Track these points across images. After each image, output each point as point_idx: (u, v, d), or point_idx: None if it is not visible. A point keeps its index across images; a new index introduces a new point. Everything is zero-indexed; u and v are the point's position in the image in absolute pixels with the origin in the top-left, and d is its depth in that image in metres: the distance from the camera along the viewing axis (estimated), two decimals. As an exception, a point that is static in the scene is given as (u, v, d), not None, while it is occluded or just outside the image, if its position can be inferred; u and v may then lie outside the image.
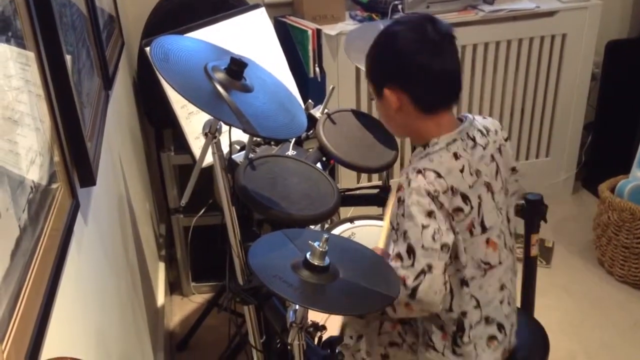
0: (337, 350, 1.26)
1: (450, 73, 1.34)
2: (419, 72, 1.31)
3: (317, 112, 1.85)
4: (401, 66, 1.32)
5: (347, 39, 1.92)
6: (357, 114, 1.92)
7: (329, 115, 1.81)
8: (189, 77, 1.22)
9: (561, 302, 2.53)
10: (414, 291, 1.27)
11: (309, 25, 2.43)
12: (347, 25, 2.56)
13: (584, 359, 2.28)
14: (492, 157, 1.37)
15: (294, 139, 1.72)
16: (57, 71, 1.04)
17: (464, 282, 1.35)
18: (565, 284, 2.62)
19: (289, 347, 1.24)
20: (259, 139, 1.73)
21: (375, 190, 1.94)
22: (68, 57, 1.12)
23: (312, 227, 1.51)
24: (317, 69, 2.44)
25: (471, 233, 1.33)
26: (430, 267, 1.26)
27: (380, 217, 1.78)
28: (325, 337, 1.30)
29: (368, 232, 1.73)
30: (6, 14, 0.86)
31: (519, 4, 2.73)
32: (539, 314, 1.50)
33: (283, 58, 2.02)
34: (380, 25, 2.29)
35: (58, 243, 0.94)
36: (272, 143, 1.76)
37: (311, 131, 1.79)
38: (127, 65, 2.36)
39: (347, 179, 2.69)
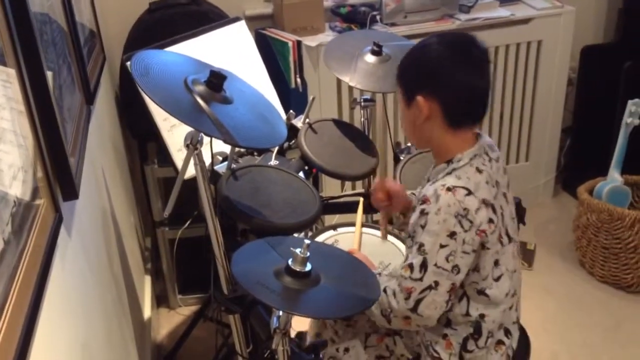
0: (321, 355, 1.28)
1: (483, 90, 1.35)
2: (457, 85, 1.31)
3: (298, 122, 1.88)
4: (440, 76, 1.32)
5: (326, 50, 1.96)
6: (338, 123, 1.96)
7: (310, 125, 1.84)
8: (170, 90, 1.24)
9: (544, 304, 2.57)
10: (416, 304, 1.31)
11: (289, 37, 2.46)
12: (327, 36, 2.59)
13: (566, 358, 2.32)
14: (505, 169, 1.41)
15: (276, 149, 1.75)
16: (39, 88, 1.06)
17: (481, 292, 1.36)
18: (548, 286, 2.66)
19: (275, 355, 1.26)
20: (242, 150, 1.76)
21: (358, 198, 1.97)
22: (49, 74, 1.14)
23: (295, 235, 1.53)
24: (299, 80, 2.47)
25: (501, 243, 1.35)
26: (437, 284, 1.30)
27: (364, 224, 1.80)
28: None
29: (351, 238, 1.75)
30: (-13, 33, 0.88)
31: (494, 12, 2.78)
32: (522, 315, 1.54)
33: (264, 70, 2.05)
34: (358, 35, 2.34)
35: (42, 256, 0.95)
36: (255, 153, 1.78)
37: (293, 141, 1.82)
38: (109, 80, 2.37)
39: (331, 187, 2.72)
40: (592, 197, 2.65)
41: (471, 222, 1.27)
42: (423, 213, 1.30)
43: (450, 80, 1.32)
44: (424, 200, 1.30)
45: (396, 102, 2.79)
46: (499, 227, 1.33)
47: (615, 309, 2.55)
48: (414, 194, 1.58)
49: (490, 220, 1.30)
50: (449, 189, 1.28)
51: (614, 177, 2.65)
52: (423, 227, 1.30)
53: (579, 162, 3.21)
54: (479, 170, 1.32)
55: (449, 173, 1.32)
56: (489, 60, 1.35)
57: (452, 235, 1.27)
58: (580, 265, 2.78)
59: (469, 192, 1.28)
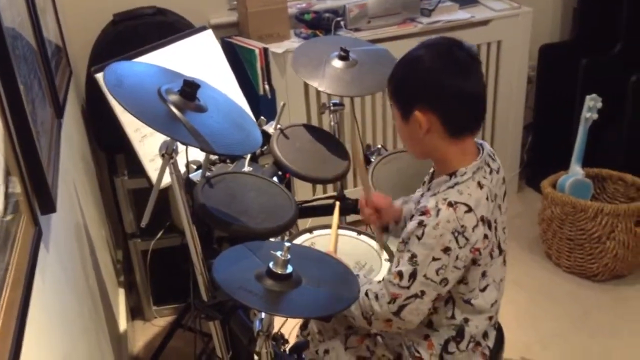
0: (303, 356, 1.30)
1: (479, 95, 1.34)
2: (451, 93, 1.30)
3: (270, 128, 1.89)
4: (433, 87, 1.30)
5: (294, 56, 1.98)
6: (309, 127, 1.98)
7: (281, 131, 1.86)
8: (144, 100, 1.25)
9: (514, 296, 2.63)
10: (400, 309, 1.33)
11: (255, 45, 2.48)
12: (293, 42, 2.62)
13: (539, 349, 2.38)
14: (504, 179, 1.42)
15: (249, 156, 1.76)
16: (14, 102, 1.06)
17: (467, 302, 1.39)
18: (517, 279, 2.72)
19: (256, 358, 1.28)
20: (214, 158, 1.77)
21: (331, 201, 2.00)
22: (21, 88, 1.14)
23: (272, 239, 1.55)
24: (267, 87, 2.49)
25: (491, 256, 1.37)
26: (423, 293, 1.32)
27: (339, 226, 1.82)
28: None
29: (327, 240, 1.77)
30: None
31: (455, 14, 2.85)
32: (494, 308, 1.60)
33: (233, 77, 2.06)
34: (325, 41, 2.37)
35: (25, 271, 0.95)
36: (228, 161, 1.80)
37: (265, 147, 1.84)
38: (75, 93, 2.35)
39: (303, 191, 2.74)
40: (556, 190, 2.73)
41: (467, 239, 1.29)
42: (421, 224, 1.30)
43: (443, 89, 1.30)
44: (424, 212, 1.31)
45: (364, 105, 2.84)
46: (492, 241, 1.35)
47: (582, 299, 2.63)
48: (406, 201, 1.61)
49: (485, 237, 1.32)
50: (450, 204, 1.28)
51: (576, 171, 2.74)
52: (419, 238, 1.30)
53: (541, 158, 3.30)
54: (481, 186, 1.32)
55: (451, 187, 1.32)
56: (478, 60, 1.35)
57: (446, 250, 1.29)
58: (547, 257, 2.86)
59: (469, 209, 1.29)
